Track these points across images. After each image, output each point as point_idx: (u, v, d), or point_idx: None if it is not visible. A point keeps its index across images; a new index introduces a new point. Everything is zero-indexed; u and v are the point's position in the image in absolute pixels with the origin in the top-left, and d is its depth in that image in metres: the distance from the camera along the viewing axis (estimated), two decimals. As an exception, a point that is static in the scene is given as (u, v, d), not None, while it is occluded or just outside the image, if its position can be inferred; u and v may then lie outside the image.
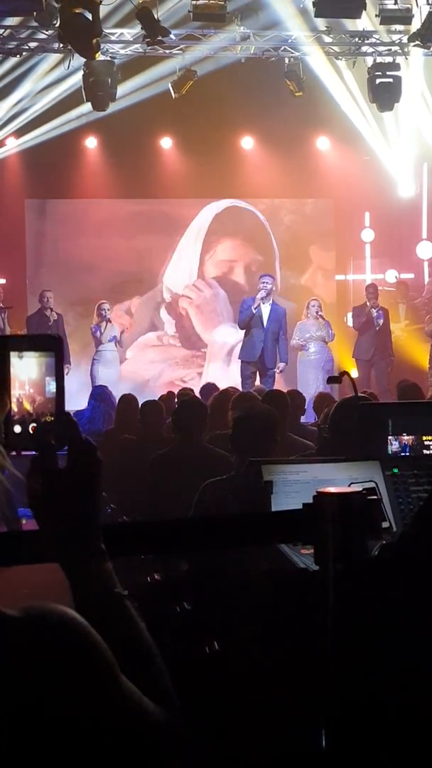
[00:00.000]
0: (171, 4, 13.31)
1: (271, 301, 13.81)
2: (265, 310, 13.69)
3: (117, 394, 11.72)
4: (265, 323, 13.64)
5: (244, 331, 13.96)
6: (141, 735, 1.31)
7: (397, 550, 2.82)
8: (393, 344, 14.91)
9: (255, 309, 13.63)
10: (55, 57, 14.32)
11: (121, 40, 14.00)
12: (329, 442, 5.27)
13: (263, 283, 13.84)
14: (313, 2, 12.51)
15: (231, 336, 17.31)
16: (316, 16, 12.82)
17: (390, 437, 4.19)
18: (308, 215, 17.37)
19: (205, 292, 17.52)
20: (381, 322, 14.67)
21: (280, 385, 12.99)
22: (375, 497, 2.27)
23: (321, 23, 13.75)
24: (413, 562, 2.67)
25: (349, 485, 3.34)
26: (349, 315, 16.36)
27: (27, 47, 13.93)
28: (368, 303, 14.83)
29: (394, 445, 4.19)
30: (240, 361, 14.11)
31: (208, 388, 10.96)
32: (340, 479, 3.70)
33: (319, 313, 14.37)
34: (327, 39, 14.22)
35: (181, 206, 17.28)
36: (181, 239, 17.33)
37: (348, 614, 2.20)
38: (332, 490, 2.23)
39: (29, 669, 1.22)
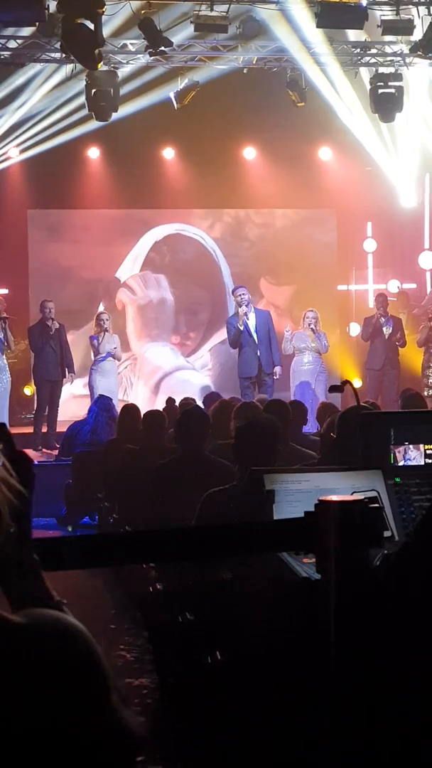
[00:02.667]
0: (173, 14, 13.34)
1: (253, 310, 13.81)
2: (251, 321, 13.68)
3: (116, 403, 11.75)
4: (254, 336, 13.62)
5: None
6: (122, 744, 1.31)
7: (400, 560, 2.82)
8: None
9: (241, 326, 13.61)
10: (57, 67, 14.35)
11: (124, 51, 14.04)
12: (332, 451, 5.27)
13: (240, 296, 13.79)
14: (315, 13, 12.53)
15: (167, 361, 16.84)
16: (318, 26, 12.83)
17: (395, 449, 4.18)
18: (310, 225, 17.37)
19: (151, 292, 17.04)
20: (389, 332, 14.68)
21: (270, 394, 12.92)
22: (377, 505, 2.27)
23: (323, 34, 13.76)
24: (415, 571, 2.66)
25: (352, 494, 3.34)
26: (352, 325, 16.38)
27: (29, 57, 13.96)
28: (377, 313, 14.86)
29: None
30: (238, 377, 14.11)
31: (210, 398, 10.96)
32: (342, 488, 3.70)
33: (311, 326, 14.29)
34: (329, 49, 14.23)
35: (182, 216, 17.30)
36: (119, 268, 17.08)
37: (350, 622, 2.20)
38: (334, 498, 2.23)
39: (29, 674, 1.22)
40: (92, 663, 1.28)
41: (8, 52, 13.74)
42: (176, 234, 17.22)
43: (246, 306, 13.66)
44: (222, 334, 16.70)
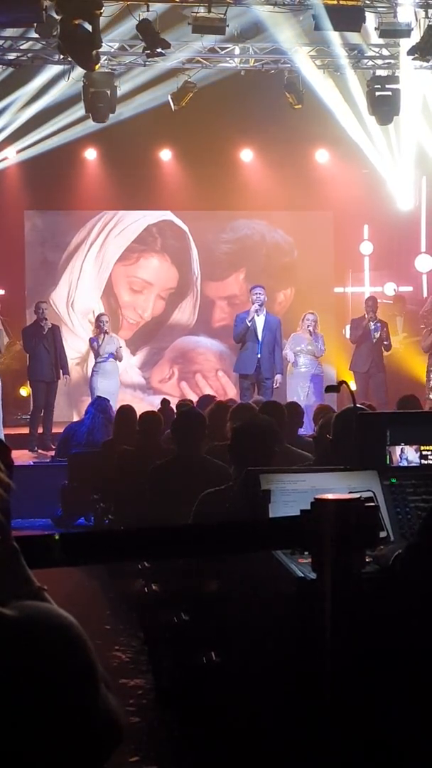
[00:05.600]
0: (171, 16, 13.34)
1: (264, 312, 13.81)
2: (260, 321, 13.69)
3: (116, 405, 11.72)
4: (259, 335, 13.63)
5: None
6: (110, 730, 1.33)
7: (405, 560, 2.81)
8: (390, 357, 14.89)
9: (249, 321, 13.62)
10: (55, 68, 14.35)
11: (122, 52, 14.04)
12: (327, 452, 5.27)
13: (256, 294, 13.81)
14: (312, 15, 12.55)
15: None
16: (316, 29, 12.84)
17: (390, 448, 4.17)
18: (307, 228, 17.38)
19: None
20: (378, 335, 14.64)
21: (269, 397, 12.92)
22: (373, 504, 2.26)
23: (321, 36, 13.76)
24: (421, 570, 2.66)
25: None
26: (348, 327, 16.37)
27: (27, 58, 13.96)
28: (366, 316, 14.82)
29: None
30: (237, 374, 14.12)
31: (205, 399, 10.95)
32: (338, 488, 3.69)
33: (309, 328, 14.26)
34: (326, 52, 14.23)
35: (179, 218, 17.32)
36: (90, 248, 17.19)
37: (345, 622, 2.20)
38: (330, 496, 2.23)
39: (23, 667, 1.23)
40: (83, 654, 1.29)
41: (5, 54, 13.73)
42: (169, 221, 17.32)
43: (259, 305, 13.67)
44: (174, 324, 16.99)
